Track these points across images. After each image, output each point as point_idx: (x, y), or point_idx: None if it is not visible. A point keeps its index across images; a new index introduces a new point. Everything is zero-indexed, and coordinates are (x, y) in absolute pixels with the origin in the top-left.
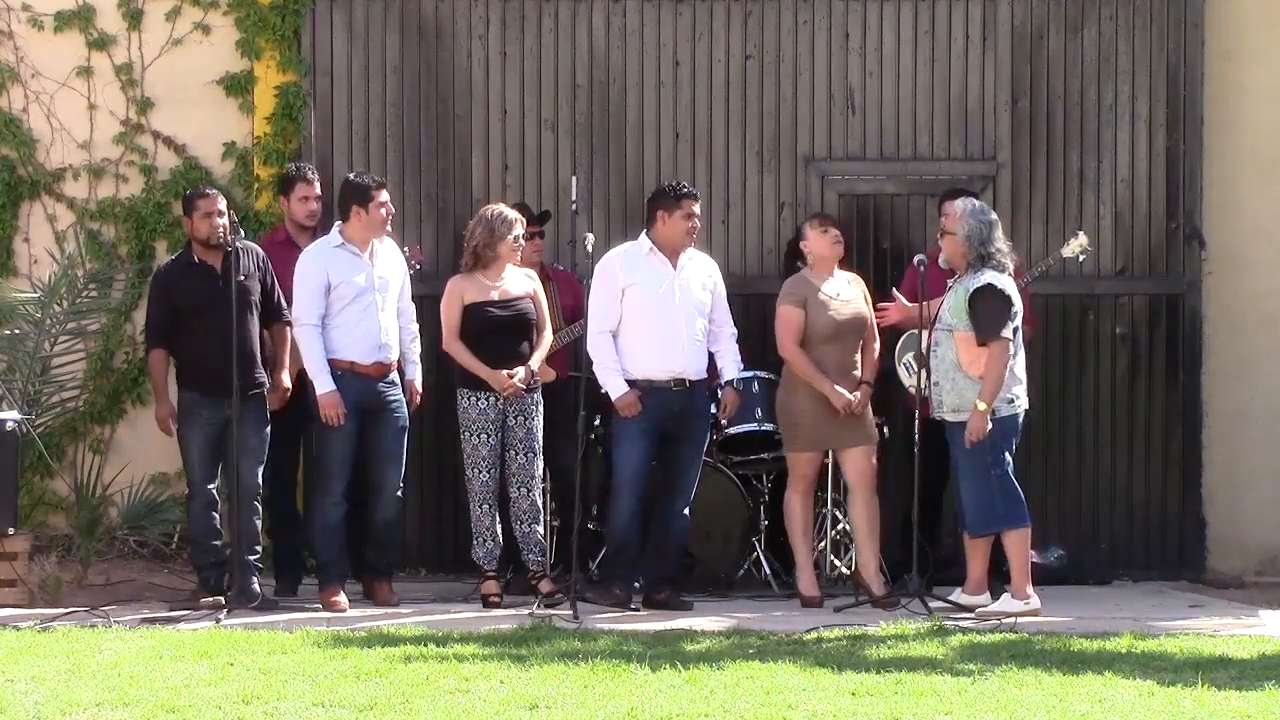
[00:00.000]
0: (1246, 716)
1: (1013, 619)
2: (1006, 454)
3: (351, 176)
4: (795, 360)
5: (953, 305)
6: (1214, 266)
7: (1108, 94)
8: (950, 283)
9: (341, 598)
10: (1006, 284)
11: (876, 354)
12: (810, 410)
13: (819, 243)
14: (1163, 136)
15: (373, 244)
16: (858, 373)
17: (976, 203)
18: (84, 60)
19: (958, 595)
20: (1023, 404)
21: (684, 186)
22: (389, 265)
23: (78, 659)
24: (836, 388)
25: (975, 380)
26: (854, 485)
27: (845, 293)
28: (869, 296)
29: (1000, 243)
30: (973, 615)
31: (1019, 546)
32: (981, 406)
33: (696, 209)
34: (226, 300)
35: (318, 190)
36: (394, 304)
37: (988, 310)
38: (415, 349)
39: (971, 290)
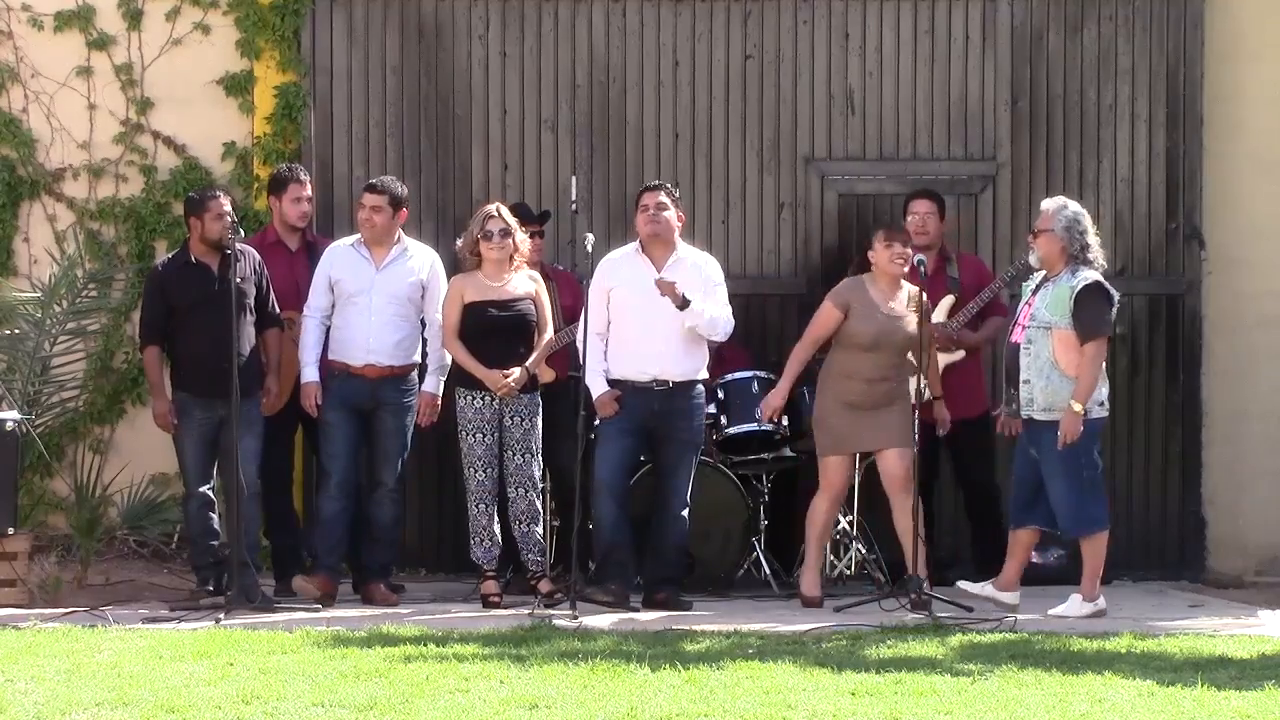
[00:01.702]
0: (1246, 716)
1: (1013, 619)
2: (1097, 454)
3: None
4: (800, 347)
5: (1050, 302)
6: (1214, 266)
7: (1108, 94)
8: (1028, 282)
9: (306, 583)
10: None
11: (936, 364)
12: (834, 411)
13: (880, 256)
14: (1163, 136)
15: (394, 248)
16: (891, 384)
17: (1064, 199)
18: (84, 60)
19: (985, 588)
20: (1107, 406)
21: (649, 183)
22: (407, 271)
23: (78, 659)
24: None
25: (1071, 379)
26: (887, 489)
27: (898, 308)
28: (926, 307)
29: (1093, 236)
30: (972, 615)
31: (1098, 549)
32: (1077, 408)
33: (656, 198)
34: (221, 301)
35: (309, 191)
36: (400, 310)
37: (1096, 309)
38: (439, 361)
39: (1079, 288)
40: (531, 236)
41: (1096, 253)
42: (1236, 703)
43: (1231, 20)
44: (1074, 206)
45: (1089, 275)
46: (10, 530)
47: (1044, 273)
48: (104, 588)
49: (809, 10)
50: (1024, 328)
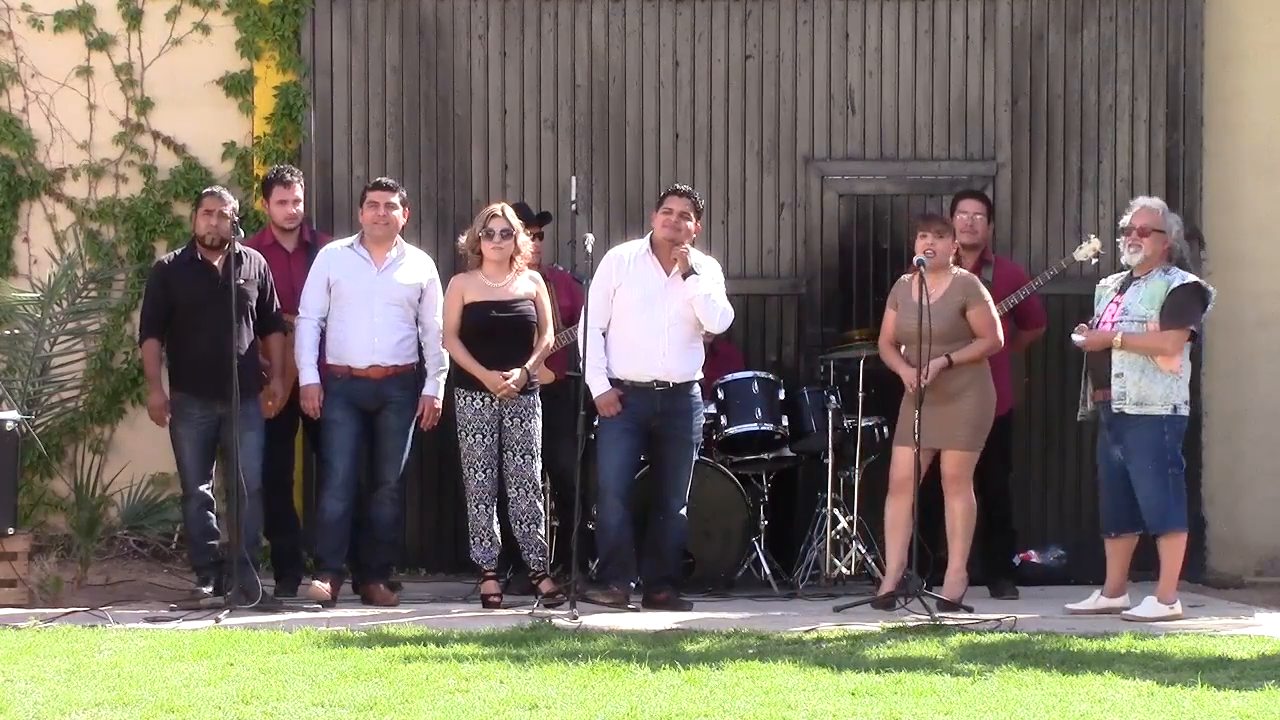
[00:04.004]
0: (1246, 716)
1: (1012, 619)
2: (1180, 454)
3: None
4: (881, 352)
5: (1145, 298)
6: (1214, 266)
7: (1108, 94)
8: (1104, 283)
9: (321, 585)
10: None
11: (978, 349)
12: (903, 403)
13: (916, 246)
14: (1163, 136)
15: (393, 250)
16: (945, 379)
17: (1160, 200)
18: (84, 60)
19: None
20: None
21: (674, 186)
22: (406, 274)
23: (78, 659)
24: (901, 364)
25: (1165, 374)
26: (944, 488)
27: (935, 297)
28: (982, 297)
29: (1183, 240)
30: (971, 615)
31: (1176, 550)
32: (1117, 340)
33: (682, 207)
34: (221, 301)
35: (297, 193)
36: (400, 312)
37: (1187, 301)
38: (438, 364)
39: (1177, 283)
40: (532, 237)
41: (1187, 255)
42: (1236, 703)
43: (1231, 20)
44: (1175, 213)
45: (1188, 274)
46: (10, 530)
47: (1123, 275)
48: (104, 588)
49: (809, 10)
50: (1112, 325)
